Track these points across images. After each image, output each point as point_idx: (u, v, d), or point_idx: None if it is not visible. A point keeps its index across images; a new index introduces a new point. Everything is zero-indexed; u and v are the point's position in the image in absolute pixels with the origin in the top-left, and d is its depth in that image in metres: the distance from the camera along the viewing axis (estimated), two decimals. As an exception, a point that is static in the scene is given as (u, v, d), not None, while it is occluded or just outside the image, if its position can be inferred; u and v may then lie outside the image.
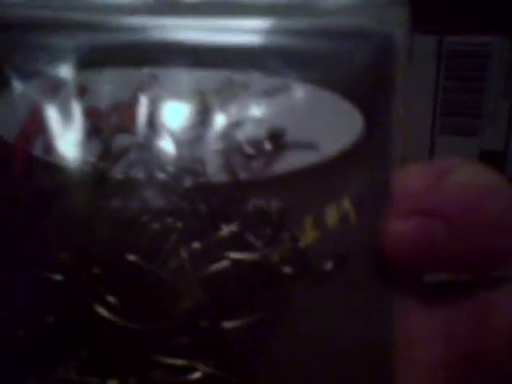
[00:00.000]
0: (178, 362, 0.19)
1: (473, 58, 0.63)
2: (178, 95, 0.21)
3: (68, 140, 0.20)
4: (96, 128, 0.20)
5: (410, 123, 0.21)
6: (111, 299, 0.19)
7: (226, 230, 0.20)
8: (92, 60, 0.20)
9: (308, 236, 0.20)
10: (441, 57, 0.63)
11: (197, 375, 0.19)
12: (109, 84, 0.20)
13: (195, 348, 0.19)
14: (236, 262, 0.20)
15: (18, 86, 0.20)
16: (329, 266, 0.20)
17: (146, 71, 0.21)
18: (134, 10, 0.21)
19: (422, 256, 0.20)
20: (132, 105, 0.20)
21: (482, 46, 0.62)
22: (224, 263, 0.20)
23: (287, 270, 0.20)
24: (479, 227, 0.19)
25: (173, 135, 0.20)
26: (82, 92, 0.20)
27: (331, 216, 0.20)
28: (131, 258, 0.20)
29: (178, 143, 0.20)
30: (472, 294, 0.20)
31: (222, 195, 0.20)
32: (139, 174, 0.20)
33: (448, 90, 0.63)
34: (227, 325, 0.20)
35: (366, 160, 0.21)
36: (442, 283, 0.22)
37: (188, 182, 0.20)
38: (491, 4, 0.61)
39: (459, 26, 0.63)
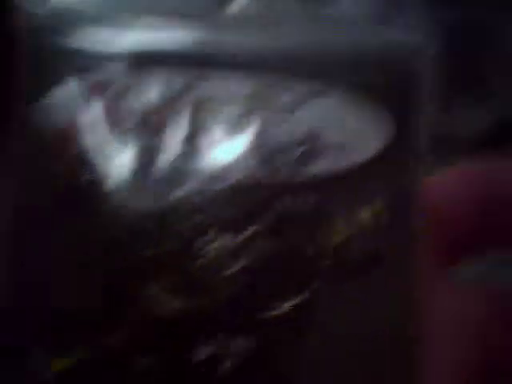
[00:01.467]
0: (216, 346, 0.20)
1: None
2: (217, 99, 0.22)
3: (110, 137, 0.21)
4: (138, 127, 0.21)
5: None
6: (154, 285, 0.20)
7: (262, 225, 0.21)
8: (139, 61, 0.21)
9: (341, 235, 0.21)
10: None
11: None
12: (154, 85, 0.21)
13: (232, 335, 0.20)
14: (272, 256, 0.21)
15: (70, 82, 0.21)
16: (361, 264, 0.21)
17: (191, 74, 0.22)
18: (184, 16, 0.22)
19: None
20: (176, 107, 0.21)
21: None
22: (260, 256, 0.21)
23: (321, 264, 0.21)
24: None
25: (211, 137, 0.21)
26: (127, 91, 0.21)
27: (364, 217, 0.21)
28: (169, 248, 0.20)
29: (216, 145, 0.21)
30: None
31: (257, 196, 0.21)
32: (177, 173, 0.21)
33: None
34: (264, 315, 0.20)
35: (396, 164, 0.22)
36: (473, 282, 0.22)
37: (224, 182, 0.21)
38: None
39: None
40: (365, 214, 0.21)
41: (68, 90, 0.21)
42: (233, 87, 0.22)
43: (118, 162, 0.21)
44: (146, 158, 0.21)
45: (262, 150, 0.21)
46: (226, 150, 0.21)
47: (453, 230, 0.22)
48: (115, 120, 0.21)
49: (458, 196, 0.23)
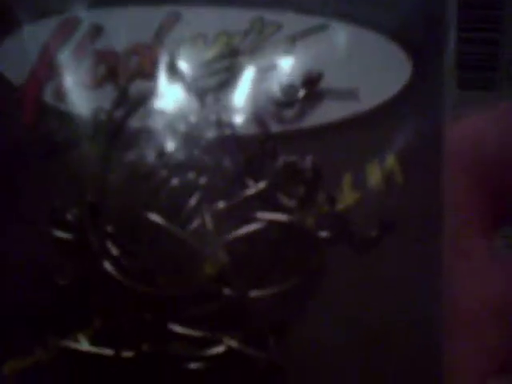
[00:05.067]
0: (199, 333, 0.17)
1: (487, 8, 0.59)
2: (202, 37, 0.18)
3: (81, 86, 0.18)
4: (112, 72, 0.18)
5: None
6: (126, 262, 0.18)
7: (254, 187, 0.18)
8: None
9: (347, 197, 0.18)
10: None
11: (219, 349, 0.17)
12: (127, 23, 0.18)
13: (218, 319, 0.17)
14: (265, 224, 0.18)
15: (28, 25, 0.18)
16: (372, 233, 0.18)
17: (168, 9, 0.18)
18: None
19: None
20: (152, 47, 0.18)
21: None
22: (252, 225, 0.18)
23: (323, 234, 0.18)
24: None
25: (196, 81, 0.18)
26: (98, 32, 0.18)
27: (373, 175, 0.18)
28: (148, 216, 0.18)
29: (202, 90, 0.18)
30: None
31: (251, 149, 0.18)
32: (158, 124, 0.18)
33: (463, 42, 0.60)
34: (255, 294, 0.18)
35: (414, 111, 0.18)
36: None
37: (212, 134, 0.18)
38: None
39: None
40: (374, 172, 0.18)
41: (28, 36, 0.18)
42: (217, 24, 0.18)
43: (94, 111, 0.18)
44: (124, 107, 0.18)
45: (256, 96, 0.18)
46: (214, 99, 0.18)
47: (498, 182, 0.19)
48: (84, 67, 0.18)
49: (502, 139, 0.19)
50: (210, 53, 0.18)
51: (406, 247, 0.18)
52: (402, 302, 0.18)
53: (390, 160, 0.18)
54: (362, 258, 0.18)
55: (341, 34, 0.18)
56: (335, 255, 0.18)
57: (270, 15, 0.18)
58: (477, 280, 0.19)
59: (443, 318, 0.18)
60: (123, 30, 0.18)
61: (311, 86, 0.18)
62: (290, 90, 0.18)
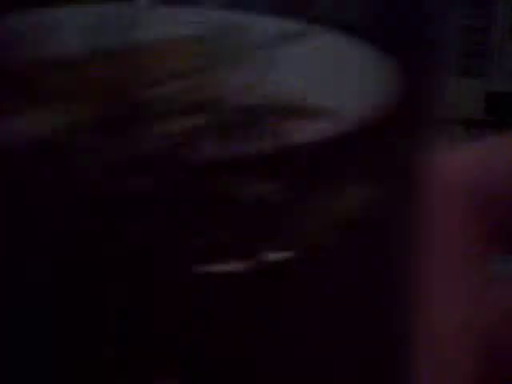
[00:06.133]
0: None
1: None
2: (157, 45, 0.16)
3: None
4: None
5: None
6: None
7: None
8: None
9: (317, 234, 0.16)
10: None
11: None
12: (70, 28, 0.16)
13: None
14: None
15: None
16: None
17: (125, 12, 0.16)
18: None
19: None
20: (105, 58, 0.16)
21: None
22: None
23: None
24: None
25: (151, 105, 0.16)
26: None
27: (349, 207, 0.16)
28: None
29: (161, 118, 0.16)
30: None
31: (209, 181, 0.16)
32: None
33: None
34: None
35: (400, 130, 0.16)
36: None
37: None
38: None
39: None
40: (350, 203, 0.16)
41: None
42: (181, 29, 0.16)
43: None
44: None
45: (220, 119, 0.16)
46: (174, 121, 0.16)
47: (498, 212, 0.19)
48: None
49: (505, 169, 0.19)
50: (169, 63, 0.16)
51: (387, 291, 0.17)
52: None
53: (371, 189, 0.16)
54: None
55: (320, 42, 0.16)
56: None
57: (237, 18, 0.16)
58: (463, 303, 0.19)
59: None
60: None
61: (282, 103, 0.16)
62: (259, 110, 0.16)
